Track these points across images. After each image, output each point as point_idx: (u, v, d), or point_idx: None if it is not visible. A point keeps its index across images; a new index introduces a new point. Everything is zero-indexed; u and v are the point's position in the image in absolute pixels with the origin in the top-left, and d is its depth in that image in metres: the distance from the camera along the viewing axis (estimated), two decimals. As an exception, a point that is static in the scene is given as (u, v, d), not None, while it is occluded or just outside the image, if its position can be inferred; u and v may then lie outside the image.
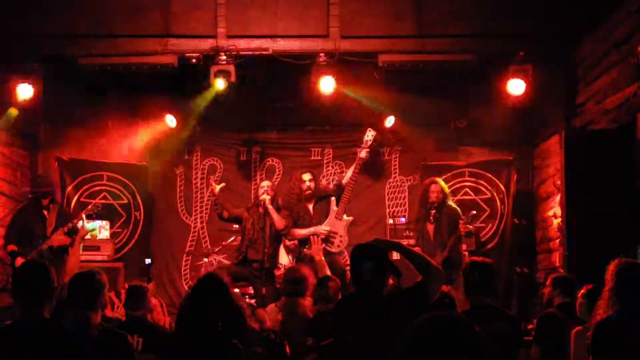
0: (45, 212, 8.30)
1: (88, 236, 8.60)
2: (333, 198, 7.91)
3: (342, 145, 10.18)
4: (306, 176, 7.99)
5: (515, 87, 8.31)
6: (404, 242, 9.31)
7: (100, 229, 9.34)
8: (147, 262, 6.50)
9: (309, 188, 7.91)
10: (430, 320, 2.02)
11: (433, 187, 8.20)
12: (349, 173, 8.06)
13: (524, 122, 9.89)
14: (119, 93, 9.65)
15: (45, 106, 9.09)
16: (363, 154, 7.88)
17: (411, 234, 9.35)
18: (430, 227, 8.17)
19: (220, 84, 8.14)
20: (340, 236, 7.76)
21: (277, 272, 7.78)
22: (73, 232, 8.11)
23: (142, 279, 6.71)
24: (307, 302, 5.93)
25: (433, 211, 8.14)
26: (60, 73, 8.62)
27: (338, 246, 7.67)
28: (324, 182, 9.46)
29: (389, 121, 9.43)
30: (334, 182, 8.38)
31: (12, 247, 8.10)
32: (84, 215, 8.34)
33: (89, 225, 8.64)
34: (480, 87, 8.97)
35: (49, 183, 8.72)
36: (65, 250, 8.01)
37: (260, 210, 7.97)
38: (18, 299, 3.42)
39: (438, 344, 1.94)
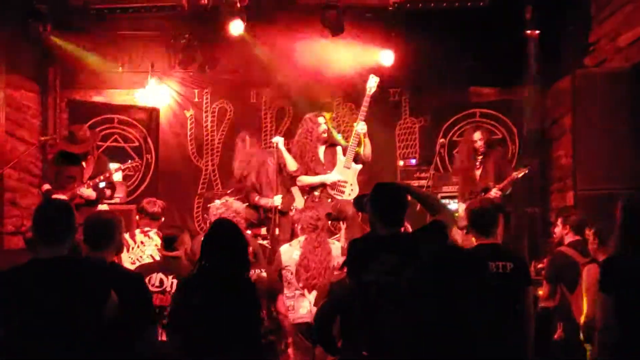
0: (82, 163, 7.89)
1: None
2: (339, 148, 7.91)
3: (352, 87, 10.08)
4: (321, 119, 8.00)
5: (527, 25, 8.21)
6: (415, 183, 9.40)
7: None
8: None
9: (325, 131, 7.93)
10: (437, 254, 2.05)
11: (475, 135, 8.15)
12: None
13: (536, 62, 9.77)
14: (130, 37, 9.59)
15: (55, 48, 9.04)
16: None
17: (422, 175, 9.35)
18: (477, 173, 8.12)
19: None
20: (351, 184, 7.78)
21: (290, 214, 7.84)
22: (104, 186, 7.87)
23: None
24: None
25: (480, 157, 8.10)
26: (69, 15, 8.57)
27: (349, 195, 7.69)
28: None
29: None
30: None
31: (47, 187, 7.76)
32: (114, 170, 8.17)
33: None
34: (492, 25, 8.85)
35: (83, 139, 7.96)
36: (89, 204, 7.64)
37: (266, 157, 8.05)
38: (38, 237, 3.43)
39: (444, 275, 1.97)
